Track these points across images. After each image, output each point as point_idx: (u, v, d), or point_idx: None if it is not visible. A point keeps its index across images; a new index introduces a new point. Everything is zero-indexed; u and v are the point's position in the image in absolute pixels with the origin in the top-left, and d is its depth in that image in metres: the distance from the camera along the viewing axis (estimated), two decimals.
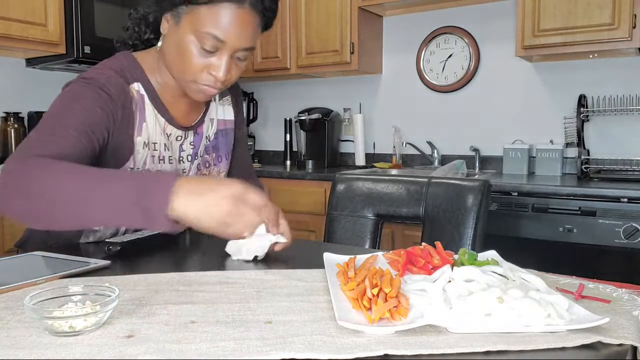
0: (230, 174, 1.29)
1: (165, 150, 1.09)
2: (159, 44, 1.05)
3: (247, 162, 1.35)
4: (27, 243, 1.22)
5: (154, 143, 1.07)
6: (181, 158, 1.14)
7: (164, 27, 1.02)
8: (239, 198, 0.80)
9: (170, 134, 1.11)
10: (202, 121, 1.18)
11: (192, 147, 1.16)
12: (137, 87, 1.05)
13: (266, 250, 0.94)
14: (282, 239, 0.94)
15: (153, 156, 1.07)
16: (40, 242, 1.18)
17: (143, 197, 0.77)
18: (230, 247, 0.97)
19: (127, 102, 1.03)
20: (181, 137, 1.13)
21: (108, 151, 1.03)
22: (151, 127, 1.07)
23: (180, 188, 0.77)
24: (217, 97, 1.23)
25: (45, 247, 1.15)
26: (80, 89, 0.98)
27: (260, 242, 0.92)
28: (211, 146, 1.20)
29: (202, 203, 0.78)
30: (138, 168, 1.06)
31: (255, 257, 0.95)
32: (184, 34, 0.97)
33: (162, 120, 1.09)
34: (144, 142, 1.06)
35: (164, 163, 1.10)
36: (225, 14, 0.94)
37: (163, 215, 0.77)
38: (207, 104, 1.21)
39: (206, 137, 1.19)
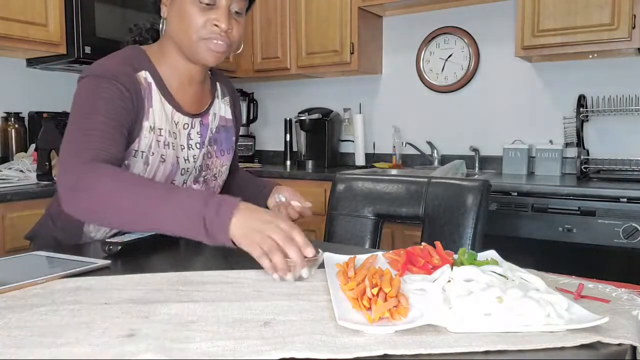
0: None
1: (169, 136, 1.13)
2: (163, 27, 1.13)
3: (235, 156, 1.41)
4: (37, 235, 1.25)
5: (160, 129, 1.12)
6: (190, 145, 1.18)
7: (164, 10, 1.11)
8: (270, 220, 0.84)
9: (177, 122, 1.16)
10: (207, 112, 1.23)
11: (199, 135, 1.20)
12: (144, 74, 1.11)
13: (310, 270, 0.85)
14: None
15: (158, 141, 1.11)
16: (49, 235, 1.20)
17: (209, 210, 0.84)
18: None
19: (138, 90, 1.08)
20: (188, 125, 1.18)
21: None
22: (157, 113, 1.11)
23: (241, 210, 0.84)
24: (219, 94, 1.28)
25: (54, 241, 1.18)
26: (96, 84, 1.03)
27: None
28: (213, 139, 1.24)
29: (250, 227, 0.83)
30: (143, 152, 1.09)
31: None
32: (182, 1, 1.06)
33: (169, 107, 1.14)
34: (150, 127, 1.10)
35: (169, 148, 1.13)
36: None
37: (224, 231, 0.83)
38: (212, 98, 1.25)
39: (210, 129, 1.23)
